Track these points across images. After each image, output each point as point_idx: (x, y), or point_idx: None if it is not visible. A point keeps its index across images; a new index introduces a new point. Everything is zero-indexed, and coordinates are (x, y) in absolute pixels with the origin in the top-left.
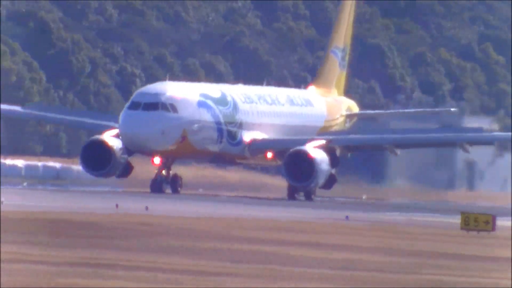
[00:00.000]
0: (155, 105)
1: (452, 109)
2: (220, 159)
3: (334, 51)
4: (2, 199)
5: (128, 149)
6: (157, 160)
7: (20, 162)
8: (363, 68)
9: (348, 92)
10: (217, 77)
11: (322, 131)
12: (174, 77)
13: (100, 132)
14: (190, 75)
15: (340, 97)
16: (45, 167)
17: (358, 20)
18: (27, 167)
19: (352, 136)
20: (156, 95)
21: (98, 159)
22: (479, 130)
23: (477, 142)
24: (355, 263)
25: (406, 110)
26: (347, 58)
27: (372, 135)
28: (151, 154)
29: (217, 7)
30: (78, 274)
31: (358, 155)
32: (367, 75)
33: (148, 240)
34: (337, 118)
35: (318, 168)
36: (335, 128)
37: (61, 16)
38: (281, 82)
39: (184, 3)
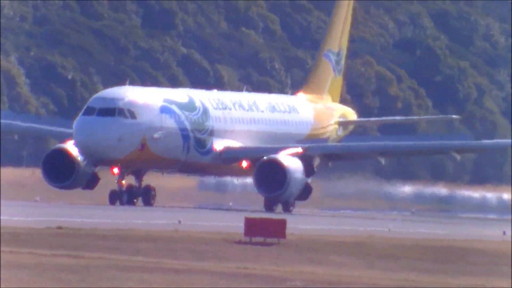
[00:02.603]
0: (111, 110)
1: (454, 116)
2: (189, 169)
3: (327, 55)
4: (389, 226)
5: (93, 159)
6: (116, 170)
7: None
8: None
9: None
10: None
11: (309, 139)
12: None
13: (64, 141)
14: None
15: (333, 103)
16: (431, 193)
17: None
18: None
19: (330, 144)
20: (113, 100)
21: (61, 170)
22: (471, 136)
23: (468, 149)
24: None
25: (407, 118)
26: (343, 62)
27: (353, 143)
28: (108, 163)
29: None
30: None
31: None
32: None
33: None
34: (327, 126)
35: (291, 177)
36: (326, 136)
37: (447, 43)
38: None
39: None
